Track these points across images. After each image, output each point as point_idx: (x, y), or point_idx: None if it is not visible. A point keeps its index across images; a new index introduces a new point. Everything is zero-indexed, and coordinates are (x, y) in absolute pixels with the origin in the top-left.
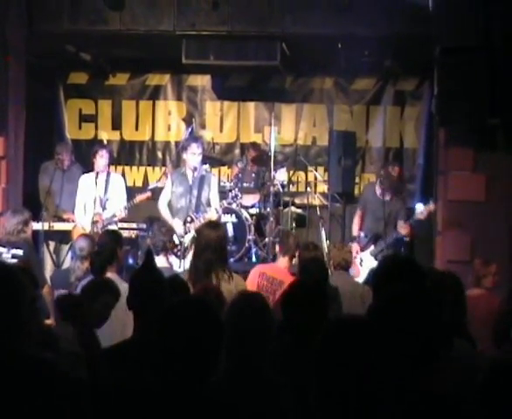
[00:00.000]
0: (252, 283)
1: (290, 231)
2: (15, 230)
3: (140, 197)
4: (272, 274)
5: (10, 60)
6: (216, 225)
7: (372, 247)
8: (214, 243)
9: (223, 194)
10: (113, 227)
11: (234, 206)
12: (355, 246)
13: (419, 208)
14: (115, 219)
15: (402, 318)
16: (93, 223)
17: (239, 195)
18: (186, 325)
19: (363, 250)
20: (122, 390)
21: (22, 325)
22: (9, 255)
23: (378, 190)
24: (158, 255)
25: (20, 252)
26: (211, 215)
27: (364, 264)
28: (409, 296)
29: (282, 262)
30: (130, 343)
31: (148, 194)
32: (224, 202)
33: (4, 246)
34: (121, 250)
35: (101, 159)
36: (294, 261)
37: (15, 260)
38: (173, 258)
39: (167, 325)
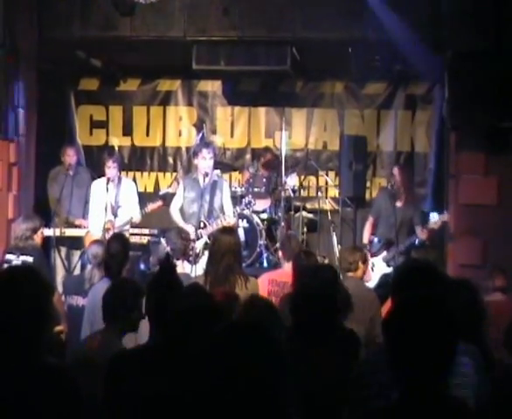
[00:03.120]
0: (262, 290)
1: (291, 235)
2: (23, 236)
3: (152, 206)
4: (282, 279)
5: (22, 66)
6: (231, 230)
7: (385, 253)
8: (233, 248)
9: (234, 199)
10: (124, 233)
11: (246, 211)
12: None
13: (434, 218)
14: (128, 227)
15: (418, 324)
16: (105, 230)
17: (253, 202)
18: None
19: (374, 255)
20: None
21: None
22: (18, 262)
23: (390, 197)
24: (178, 260)
25: (30, 259)
26: (230, 220)
27: (376, 269)
28: (425, 302)
29: (288, 267)
30: (146, 348)
31: (160, 203)
32: (237, 208)
33: (14, 253)
34: (129, 255)
35: (109, 170)
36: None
37: None
38: (185, 264)
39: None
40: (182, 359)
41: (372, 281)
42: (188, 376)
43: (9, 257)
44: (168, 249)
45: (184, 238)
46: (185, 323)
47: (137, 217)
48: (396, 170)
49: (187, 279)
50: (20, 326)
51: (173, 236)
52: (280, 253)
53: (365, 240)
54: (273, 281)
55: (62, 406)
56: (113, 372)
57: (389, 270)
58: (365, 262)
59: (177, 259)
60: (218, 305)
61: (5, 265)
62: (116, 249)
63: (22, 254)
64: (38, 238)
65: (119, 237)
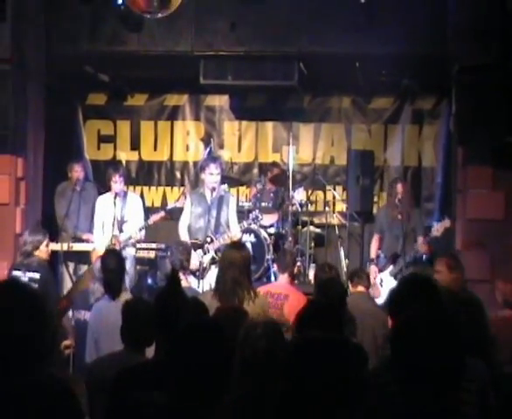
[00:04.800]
0: None
1: (286, 249)
2: (26, 251)
3: (154, 218)
4: (276, 290)
5: (29, 81)
6: (240, 245)
7: (391, 267)
8: (241, 262)
9: (241, 214)
10: (130, 248)
11: (253, 226)
12: (373, 268)
13: (435, 225)
14: (131, 241)
15: (420, 341)
16: (112, 246)
17: (260, 217)
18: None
19: (382, 270)
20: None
21: (48, 344)
22: (26, 278)
23: (393, 211)
24: (182, 274)
25: (37, 276)
26: (235, 234)
27: (385, 284)
28: (426, 319)
29: (283, 278)
30: (151, 364)
31: (162, 214)
32: (244, 223)
33: (20, 270)
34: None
35: (116, 184)
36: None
37: (32, 283)
38: (192, 279)
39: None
40: (182, 376)
41: (382, 296)
42: (187, 394)
43: (16, 273)
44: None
45: (182, 252)
46: (183, 340)
47: (136, 235)
48: (400, 186)
49: (190, 292)
50: (17, 340)
51: (171, 251)
52: (275, 266)
53: (372, 255)
54: (267, 292)
55: None
56: (117, 387)
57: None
58: None
59: (181, 273)
60: (218, 320)
61: None
62: (114, 264)
63: (28, 270)
64: (42, 253)
65: (114, 253)
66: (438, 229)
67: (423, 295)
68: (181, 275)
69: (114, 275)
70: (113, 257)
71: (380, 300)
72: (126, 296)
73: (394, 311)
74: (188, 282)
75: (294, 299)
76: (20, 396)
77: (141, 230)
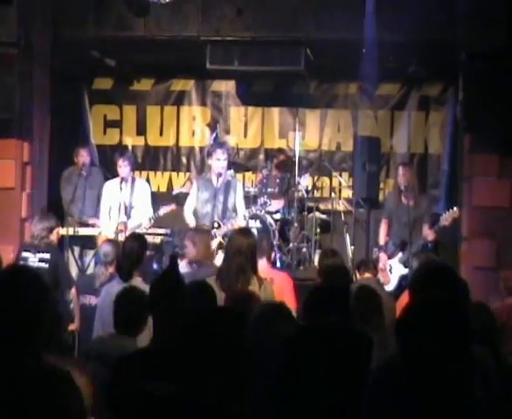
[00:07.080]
0: None
1: (263, 236)
2: (38, 236)
3: (164, 210)
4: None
5: (36, 66)
6: (248, 232)
7: (400, 254)
8: (246, 249)
9: (247, 199)
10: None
11: (259, 212)
12: (382, 255)
13: (444, 215)
14: (141, 229)
15: (431, 325)
16: (118, 231)
17: (268, 202)
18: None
19: (390, 257)
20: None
21: (41, 333)
22: (36, 259)
23: (400, 197)
24: (181, 260)
25: (47, 256)
26: (240, 221)
27: (394, 271)
28: (442, 303)
29: (262, 264)
30: (150, 350)
31: (173, 207)
32: (252, 208)
33: (30, 251)
34: (145, 255)
35: (120, 169)
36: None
37: (43, 264)
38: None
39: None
40: (183, 361)
41: (391, 283)
42: (191, 381)
43: (25, 254)
44: (176, 250)
45: (178, 240)
46: (187, 324)
47: (146, 223)
48: (401, 169)
49: (190, 278)
50: (14, 327)
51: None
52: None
53: (381, 242)
54: None
55: (57, 411)
56: (116, 375)
57: (406, 271)
58: None
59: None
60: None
61: (21, 262)
62: (131, 249)
63: (38, 252)
64: (53, 237)
65: (136, 238)
66: (446, 218)
67: (442, 280)
68: (184, 261)
69: (127, 259)
70: (131, 242)
71: (390, 287)
72: (138, 280)
73: (413, 293)
74: (192, 268)
75: (280, 281)
76: (19, 385)
77: (150, 220)
